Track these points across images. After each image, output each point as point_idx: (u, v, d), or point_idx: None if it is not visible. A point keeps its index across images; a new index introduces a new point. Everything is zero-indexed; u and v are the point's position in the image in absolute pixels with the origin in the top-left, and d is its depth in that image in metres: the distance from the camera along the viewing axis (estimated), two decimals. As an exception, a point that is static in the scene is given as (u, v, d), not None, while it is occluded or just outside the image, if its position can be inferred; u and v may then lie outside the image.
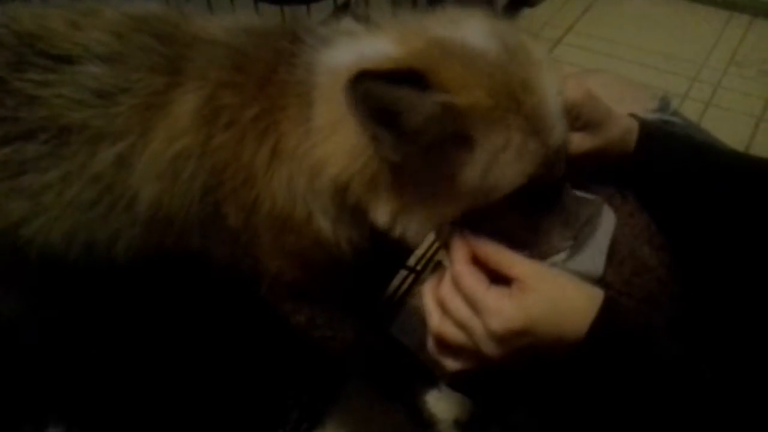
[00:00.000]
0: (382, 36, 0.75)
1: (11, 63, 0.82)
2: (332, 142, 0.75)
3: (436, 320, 0.74)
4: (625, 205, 0.92)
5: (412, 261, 1.55)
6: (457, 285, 0.73)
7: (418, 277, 1.53)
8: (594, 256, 0.82)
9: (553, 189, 0.76)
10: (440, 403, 1.05)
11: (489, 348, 0.70)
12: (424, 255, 1.57)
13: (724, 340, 0.85)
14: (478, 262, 0.74)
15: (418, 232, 0.76)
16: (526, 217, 0.76)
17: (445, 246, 0.77)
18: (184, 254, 0.92)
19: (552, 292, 0.69)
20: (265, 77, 0.80)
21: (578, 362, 0.69)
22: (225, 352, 1.27)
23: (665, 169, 0.88)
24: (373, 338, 1.09)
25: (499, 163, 0.69)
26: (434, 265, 1.54)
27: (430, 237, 1.51)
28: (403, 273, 1.53)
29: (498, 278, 0.72)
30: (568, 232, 0.76)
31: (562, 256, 0.79)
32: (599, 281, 0.82)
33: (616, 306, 0.73)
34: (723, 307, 0.88)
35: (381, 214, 0.75)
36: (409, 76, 0.64)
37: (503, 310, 0.68)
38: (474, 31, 0.72)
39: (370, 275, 1.31)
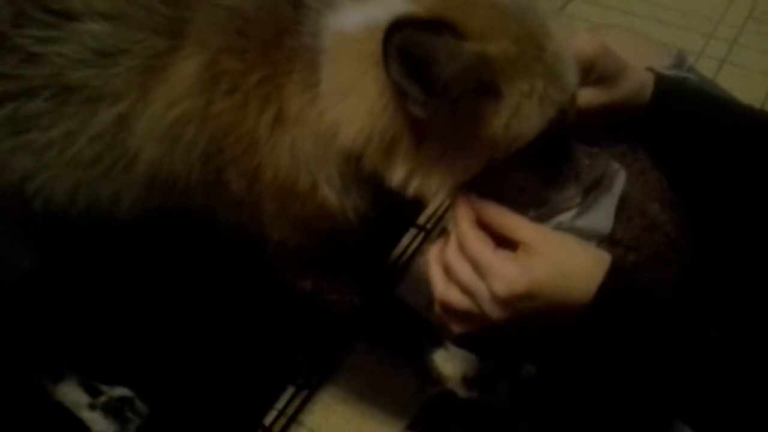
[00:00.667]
0: None
1: (12, 16, 0.80)
2: (345, 106, 0.74)
3: (440, 287, 0.75)
4: (636, 162, 0.91)
5: (422, 219, 1.55)
6: (461, 248, 0.73)
7: (428, 235, 1.54)
8: (603, 213, 0.81)
9: (564, 139, 0.75)
10: (448, 362, 1.06)
11: (494, 312, 0.70)
12: (434, 213, 1.56)
13: (732, 297, 0.85)
14: (483, 225, 0.74)
15: (438, 189, 0.76)
16: (538, 171, 0.75)
17: (454, 206, 0.77)
18: (188, 214, 0.92)
19: (558, 256, 0.69)
20: (269, 42, 0.79)
21: (586, 325, 0.69)
22: (234, 307, 1.29)
23: (680, 123, 0.87)
24: (380, 299, 1.09)
25: (523, 111, 0.69)
26: (441, 228, 1.54)
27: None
28: (412, 231, 1.53)
29: (504, 242, 0.72)
30: (576, 187, 0.76)
31: (571, 213, 0.79)
32: (608, 238, 0.82)
33: (624, 269, 0.73)
34: (732, 263, 0.88)
35: (397, 175, 0.75)
36: (444, 26, 0.63)
37: (508, 274, 0.68)
38: None
39: (378, 235, 1.32)
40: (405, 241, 1.51)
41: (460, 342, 1.07)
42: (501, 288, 0.68)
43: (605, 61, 0.82)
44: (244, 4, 0.82)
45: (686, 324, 0.69)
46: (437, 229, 1.55)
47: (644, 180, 0.89)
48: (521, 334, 0.90)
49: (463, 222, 0.74)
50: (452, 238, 0.75)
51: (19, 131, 0.83)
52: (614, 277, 0.69)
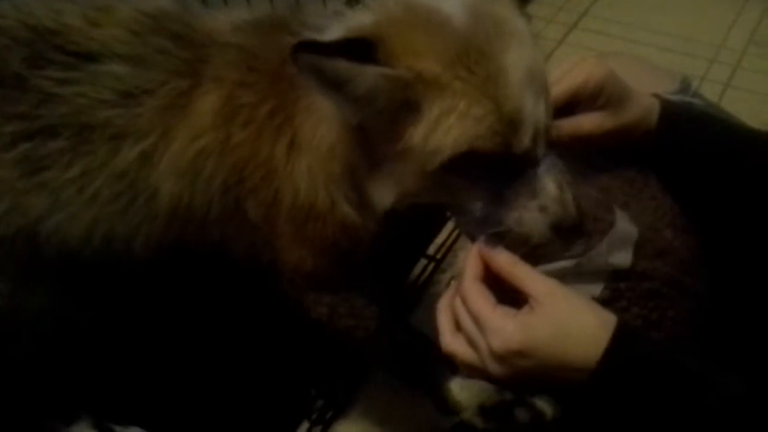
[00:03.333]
0: (365, 11, 0.77)
1: (27, 58, 0.83)
2: (329, 127, 0.78)
3: (447, 337, 0.76)
4: (647, 187, 0.91)
5: (431, 250, 1.55)
6: (464, 303, 0.73)
7: (438, 265, 1.53)
8: (621, 250, 0.81)
9: (517, 165, 0.73)
10: (464, 390, 1.05)
11: (492, 367, 0.70)
12: (443, 243, 1.57)
13: (748, 320, 0.85)
14: (492, 275, 0.74)
15: (383, 198, 0.79)
16: (491, 193, 0.75)
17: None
18: (203, 248, 0.94)
19: (561, 314, 0.69)
20: (275, 74, 0.83)
21: (591, 390, 0.67)
22: (248, 343, 1.28)
23: (687, 147, 0.88)
24: (395, 328, 1.09)
25: (441, 127, 0.70)
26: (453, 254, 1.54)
27: (450, 225, 1.54)
28: (423, 262, 1.53)
29: (516, 293, 0.72)
30: (546, 218, 0.74)
31: (570, 261, 0.80)
32: (626, 270, 0.82)
33: (632, 332, 0.71)
34: (747, 287, 0.87)
35: (378, 195, 0.79)
36: (354, 47, 0.66)
37: (504, 330, 0.68)
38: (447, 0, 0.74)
39: (390, 264, 1.31)
40: (416, 271, 1.51)
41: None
42: (497, 344, 0.69)
43: (612, 87, 0.83)
44: (250, 40, 0.86)
45: (703, 384, 0.67)
46: (447, 260, 1.55)
47: (656, 205, 0.89)
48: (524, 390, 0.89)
49: (466, 275, 0.75)
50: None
51: (36, 170, 0.85)
52: (620, 341, 0.67)
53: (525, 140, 0.71)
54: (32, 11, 0.86)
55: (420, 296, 1.47)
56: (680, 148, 0.88)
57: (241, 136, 0.83)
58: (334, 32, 0.77)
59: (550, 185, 0.74)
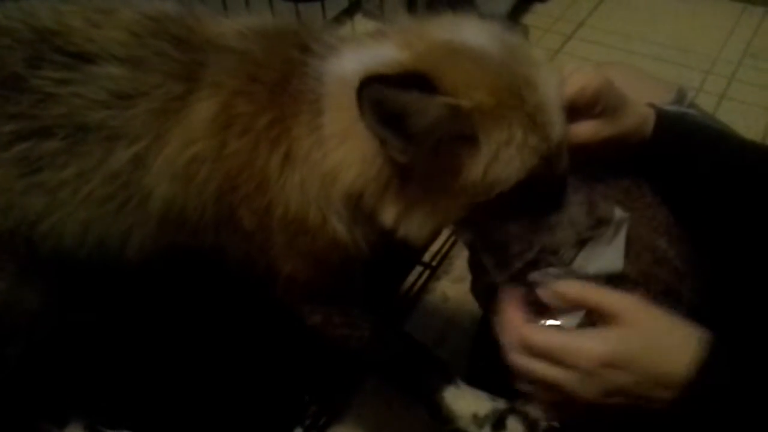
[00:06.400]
0: (386, 42, 0.77)
1: (27, 59, 0.83)
2: (344, 150, 0.77)
3: (540, 395, 0.74)
4: (641, 197, 0.91)
5: (427, 257, 1.55)
6: (528, 350, 0.71)
7: (434, 272, 1.54)
8: (612, 254, 0.82)
9: (556, 185, 0.77)
10: (458, 399, 1.05)
11: (582, 387, 0.68)
12: (439, 251, 1.57)
13: (743, 329, 0.85)
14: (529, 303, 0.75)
15: (420, 231, 0.78)
16: (529, 215, 0.77)
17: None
18: (198, 251, 0.93)
19: (650, 327, 0.68)
20: (277, 86, 0.82)
21: (688, 404, 0.65)
22: (242, 348, 1.28)
23: (683, 156, 0.88)
24: (389, 336, 1.09)
25: (500, 159, 0.71)
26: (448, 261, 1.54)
27: (446, 233, 1.53)
28: (418, 269, 1.53)
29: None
30: (573, 229, 0.77)
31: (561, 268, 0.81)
32: (618, 276, 0.82)
33: (723, 347, 0.69)
34: (742, 297, 0.87)
35: (388, 216, 0.78)
36: (416, 80, 0.66)
37: (586, 346, 0.67)
38: (474, 34, 0.75)
39: (385, 272, 1.31)
40: (411, 278, 1.51)
41: (471, 380, 1.06)
42: (584, 360, 0.67)
43: (609, 95, 0.83)
44: (254, 48, 0.85)
45: None
46: (442, 267, 1.55)
47: (650, 215, 0.89)
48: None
49: (515, 326, 0.73)
50: (514, 347, 0.72)
51: (32, 171, 0.84)
52: (714, 350, 0.65)
53: (565, 162, 0.74)
54: (36, 12, 0.87)
55: (415, 303, 1.47)
56: (675, 158, 0.88)
57: (236, 145, 0.83)
58: (352, 59, 0.77)
59: (576, 198, 0.77)
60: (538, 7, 2.64)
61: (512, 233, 0.79)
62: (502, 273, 0.83)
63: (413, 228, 0.78)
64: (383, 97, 0.65)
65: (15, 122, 0.83)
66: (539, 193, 0.75)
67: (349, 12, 2.07)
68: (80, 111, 0.83)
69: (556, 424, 0.98)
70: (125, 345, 1.25)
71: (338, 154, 0.78)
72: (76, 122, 0.83)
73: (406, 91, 0.65)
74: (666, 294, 0.84)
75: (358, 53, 0.78)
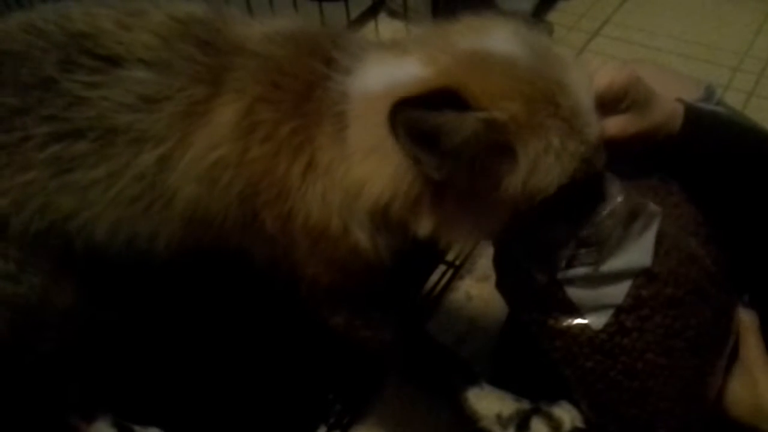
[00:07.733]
0: (410, 58, 0.76)
1: (60, 62, 0.85)
2: (369, 166, 0.77)
3: None
4: (669, 195, 0.90)
5: (450, 256, 1.54)
6: None
7: (457, 271, 1.53)
8: (642, 249, 0.81)
9: (597, 181, 0.76)
10: (482, 400, 1.05)
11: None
12: (462, 249, 1.56)
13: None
14: None
15: (465, 241, 0.78)
16: (573, 212, 0.76)
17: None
18: (223, 252, 0.94)
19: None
20: (301, 95, 0.83)
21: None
22: (267, 347, 1.29)
23: (712, 152, 0.87)
24: (412, 336, 1.09)
25: (540, 168, 0.70)
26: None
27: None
28: (441, 268, 1.53)
29: None
30: (615, 220, 0.76)
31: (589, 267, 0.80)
32: (646, 272, 0.81)
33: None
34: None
35: (424, 228, 0.77)
36: (447, 97, 0.65)
37: None
38: (500, 40, 0.74)
39: (408, 272, 1.31)
40: (434, 277, 1.50)
41: (495, 380, 1.05)
42: None
43: (636, 90, 0.82)
44: (279, 54, 0.86)
45: None
46: (466, 266, 1.55)
47: (678, 214, 0.88)
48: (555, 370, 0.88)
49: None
50: None
51: (65, 171, 0.86)
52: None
53: (602, 159, 0.74)
54: (70, 15, 0.88)
55: (438, 303, 1.46)
56: (704, 153, 0.87)
57: (258, 151, 0.83)
58: (376, 75, 0.77)
59: (615, 189, 0.77)
60: (563, 5, 2.61)
61: (556, 232, 0.79)
62: (547, 273, 0.82)
63: (457, 239, 0.78)
64: (416, 119, 0.65)
65: (49, 124, 0.85)
66: (581, 191, 0.75)
67: (372, 11, 2.08)
68: (109, 114, 0.84)
69: (581, 424, 0.97)
70: (154, 343, 1.26)
71: (363, 169, 0.77)
72: (106, 125, 0.85)
73: (438, 111, 0.65)
74: (694, 293, 0.83)
75: (382, 70, 0.78)
